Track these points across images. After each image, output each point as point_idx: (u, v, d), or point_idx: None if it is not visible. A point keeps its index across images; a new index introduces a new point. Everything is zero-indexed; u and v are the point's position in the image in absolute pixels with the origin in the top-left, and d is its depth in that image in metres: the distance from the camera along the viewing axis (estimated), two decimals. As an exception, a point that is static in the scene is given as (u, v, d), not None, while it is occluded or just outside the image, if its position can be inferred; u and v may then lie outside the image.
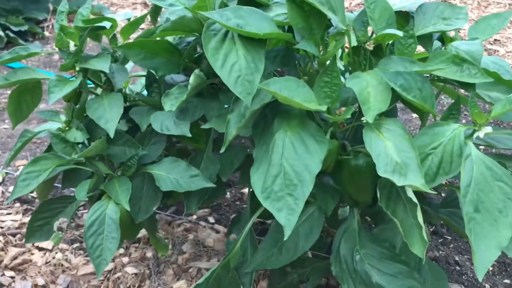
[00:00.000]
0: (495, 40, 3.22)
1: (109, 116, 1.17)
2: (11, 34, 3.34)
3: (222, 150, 1.05)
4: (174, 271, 1.59)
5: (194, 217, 1.85)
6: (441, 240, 1.71)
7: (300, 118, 1.05)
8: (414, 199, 0.99)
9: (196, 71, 1.12)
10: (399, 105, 1.28)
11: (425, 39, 1.22)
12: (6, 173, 2.14)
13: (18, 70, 1.27)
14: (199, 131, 1.31)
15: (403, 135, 1.00)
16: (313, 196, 1.26)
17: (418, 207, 0.99)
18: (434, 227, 1.75)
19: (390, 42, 1.18)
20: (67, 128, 1.29)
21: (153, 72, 1.27)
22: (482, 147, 1.27)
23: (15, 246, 1.70)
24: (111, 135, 1.15)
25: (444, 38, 1.25)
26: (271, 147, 1.02)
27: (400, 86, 1.03)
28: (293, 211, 0.98)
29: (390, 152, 0.98)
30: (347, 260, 1.19)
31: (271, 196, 0.99)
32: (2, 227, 1.79)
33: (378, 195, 1.05)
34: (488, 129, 1.07)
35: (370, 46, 1.14)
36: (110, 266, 1.62)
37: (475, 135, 1.07)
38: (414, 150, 0.98)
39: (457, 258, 1.62)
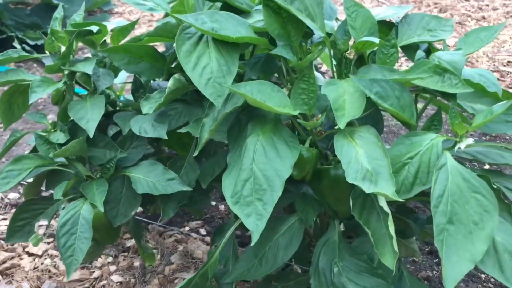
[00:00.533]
0: (508, 62, 3.17)
1: (90, 116, 1.18)
2: (27, 48, 3.43)
3: (194, 154, 1.05)
4: (159, 281, 1.58)
5: (187, 228, 1.84)
6: (436, 260, 1.65)
7: (274, 123, 1.04)
8: (386, 209, 0.96)
9: (176, 75, 1.13)
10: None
11: (410, 50, 1.21)
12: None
13: (9, 72, 1.29)
14: (186, 138, 1.32)
15: (376, 143, 0.98)
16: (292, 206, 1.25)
17: (390, 217, 0.96)
18: (429, 246, 1.70)
19: (372, 51, 1.17)
20: (52, 130, 1.30)
21: (138, 77, 1.28)
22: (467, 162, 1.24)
23: (5, 250, 1.71)
24: (91, 135, 1.16)
25: (431, 50, 1.24)
26: (243, 152, 1.01)
27: (376, 94, 1.01)
28: (261, 216, 0.96)
29: (361, 159, 0.96)
30: (325, 272, 1.16)
31: (240, 201, 0.98)
32: (-5, 231, 1.81)
33: (351, 204, 1.02)
34: (470, 140, 1.05)
35: (350, 55, 1.13)
36: (97, 273, 1.62)
37: (456, 147, 1.05)
38: (387, 158, 0.96)
39: None
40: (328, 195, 1.17)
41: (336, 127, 0.99)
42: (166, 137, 1.14)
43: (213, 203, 1.95)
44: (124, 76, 1.61)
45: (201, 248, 1.71)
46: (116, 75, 1.47)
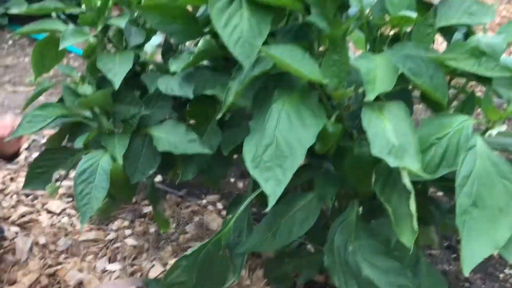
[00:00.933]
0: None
1: (117, 69, 1.18)
2: (62, 17, 3.47)
3: (218, 116, 1.04)
4: (172, 248, 1.58)
5: (204, 201, 1.84)
6: (454, 255, 1.61)
7: (301, 92, 1.02)
8: (409, 186, 0.94)
9: (207, 37, 1.12)
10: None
11: (448, 32, 1.17)
12: (33, 140, 2.21)
13: (45, 21, 1.31)
14: (210, 109, 1.31)
15: (405, 119, 0.96)
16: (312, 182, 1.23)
17: (412, 195, 0.93)
18: (448, 241, 1.66)
19: (408, 30, 1.14)
20: (81, 84, 1.31)
21: (169, 38, 1.28)
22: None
23: (25, 205, 1.74)
24: (115, 87, 1.16)
25: (469, 34, 1.20)
26: (267, 117, 0.99)
27: (409, 70, 0.98)
28: (279, 182, 0.94)
29: (389, 133, 0.93)
30: (340, 251, 1.14)
31: (260, 166, 0.96)
32: (17, 187, 1.84)
33: (373, 180, 1.00)
34: (503, 127, 1.01)
35: (386, 31, 1.10)
36: (112, 235, 1.63)
37: (487, 133, 1.01)
38: (414, 135, 0.93)
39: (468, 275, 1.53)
40: (349, 174, 1.14)
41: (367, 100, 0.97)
42: (191, 96, 1.13)
43: (232, 179, 1.95)
44: (155, 42, 1.61)
45: (217, 221, 1.71)
46: (148, 40, 1.47)
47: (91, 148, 1.31)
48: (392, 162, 0.90)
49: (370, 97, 0.95)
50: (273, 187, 0.95)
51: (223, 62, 1.26)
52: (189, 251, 1.19)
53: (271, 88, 1.05)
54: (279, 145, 0.96)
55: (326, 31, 1.04)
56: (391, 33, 1.16)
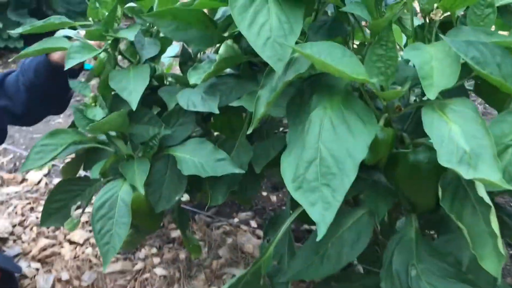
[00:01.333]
0: None
1: (133, 87, 1.05)
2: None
3: (249, 131, 0.89)
4: (206, 276, 1.44)
5: (236, 220, 1.70)
6: (521, 265, 1.43)
7: (344, 95, 0.87)
8: (487, 199, 0.77)
9: (228, 41, 0.98)
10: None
11: (508, 12, 1.01)
12: (53, 165, 2.11)
13: (48, 39, 1.18)
14: (235, 120, 1.17)
15: (475, 119, 0.79)
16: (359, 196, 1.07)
17: (492, 210, 0.77)
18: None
19: (461, 13, 0.98)
20: (93, 104, 1.18)
21: (186, 46, 1.14)
22: None
23: (47, 237, 1.63)
24: (133, 107, 1.02)
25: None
26: (306, 128, 0.84)
27: (473, 59, 0.82)
28: (329, 205, 0.79)
29: (456, 137, 0.77)
30: (400, 276, 0.98)
31: (304, 186, 0.81)
32: (37, 217, 1.73)
33: (440, 194, 0.84)
34: None
35: (436, 16, 0.94)
36: (140, 265, 1.50)
37: None
38: (489, 137, 0.77)
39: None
40: (405, 185, 0.99)
41: (425, 98, 0.81)
42: (217, 111, 0.99)
43: (264, 193, 1.80)
44: (172, 52, 1.48)
45: (252, 242, 1.56)
46: (164, 51, 1.34)
47: (110, 174, 1.18)
48: (465, 173, 0.74)
49: (431, 94, 0.79)
50: (321, 212, 0.79)
51: (248, 69, 1.12)
52: (226, 285, 1.05)
53: (308, 92, 0.90)
54: (324, 160, 0.81)
55: (368, 21, 0.88)
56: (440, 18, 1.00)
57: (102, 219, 1.02)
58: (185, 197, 1.78)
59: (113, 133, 1.15)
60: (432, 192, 0.96)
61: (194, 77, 0.99)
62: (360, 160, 0.80)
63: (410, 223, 1.03)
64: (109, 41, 1.18)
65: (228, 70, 1.16)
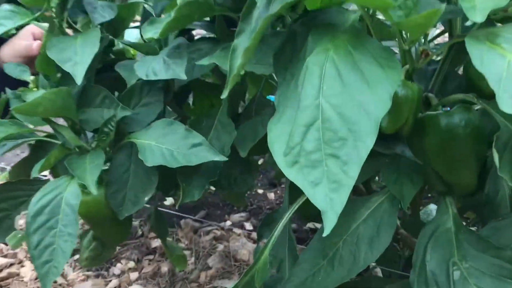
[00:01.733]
0: None
1: (79, 58, 0.81)
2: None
3: (223, 96, 0.65)
4: (193, 291, 1.20)
5: (228, 223, 1.46)
6: None
7: (352, 32, 0.62)
8: None
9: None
10: None
11: None
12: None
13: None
14: (216, 99, 0.94)
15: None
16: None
17: None
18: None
19: None
20: (34, 89, 0.95)
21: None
22: None
23: (5, 256, 1.38)
24: (78, 81, 0.80)
25: None
26: (301, 80, 0.60)
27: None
28: (338, 184, 0.55)
29: (522, 73, 0.53)
30: (437, 278, 0.75)
31: (301, 161, 0.58)
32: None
33: (496, 160, 0.60)
34: None
35: None
36: (114, 283, 1.26)
37: None
38: None
39: None
40: (437, 159, 0.76)
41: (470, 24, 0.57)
42: (184, 77, 0.76)
43: (260, 190, 1.56)
44: (131, 37, 1.23)
45: (247, 247, 1.33)
46: (127, 25, 1.11)
47: (61, 173, 0.94)
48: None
49: (478, 17, 0.55)
50: (328, 195, 0.55)
51: (226, 29, 0.89)
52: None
53: (302, 34, 0.66)
54: (329, 121, 0.57)
55: None
56: None
57: (40, 229, 0.77)
58: (169, 200, 1.54)
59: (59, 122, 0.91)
60: (472, 166, 0.74)
61: (150, 32, 0.75)
62: (380, 117, 0.56)
63: (445, 209, 0.79)
64: (53, 5, 0.94)
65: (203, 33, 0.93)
